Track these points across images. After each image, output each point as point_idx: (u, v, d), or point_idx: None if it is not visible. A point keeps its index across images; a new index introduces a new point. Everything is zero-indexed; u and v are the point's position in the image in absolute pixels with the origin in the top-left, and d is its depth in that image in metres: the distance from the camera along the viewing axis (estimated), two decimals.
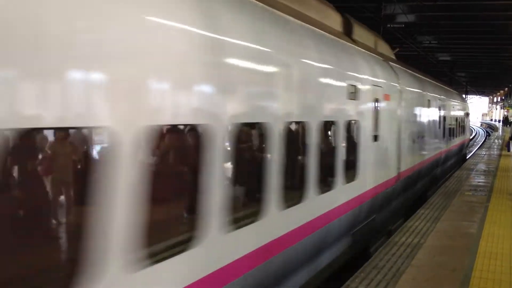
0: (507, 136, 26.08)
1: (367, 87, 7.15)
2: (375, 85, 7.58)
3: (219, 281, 3.39)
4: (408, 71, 11.47)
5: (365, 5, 16.16)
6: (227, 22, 3.69)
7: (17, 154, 2.16)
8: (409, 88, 10.42)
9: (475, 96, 67.34)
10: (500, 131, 45.58)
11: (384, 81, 8.18)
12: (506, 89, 49.16)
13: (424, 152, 11.97)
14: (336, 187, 5.91)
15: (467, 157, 22.86)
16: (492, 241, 6.90)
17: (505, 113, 54.98)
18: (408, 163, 10.00)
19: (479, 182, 12.92)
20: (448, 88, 18.91)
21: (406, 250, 6.36)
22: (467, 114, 22.84)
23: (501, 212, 8.96)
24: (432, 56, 28.51)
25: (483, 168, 16.22)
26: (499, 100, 64.77)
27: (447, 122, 15.98)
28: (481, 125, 70.68)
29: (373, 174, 7.52)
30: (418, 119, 11.23)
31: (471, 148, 30.02)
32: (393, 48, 20.19)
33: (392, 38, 19.94)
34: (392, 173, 8.72)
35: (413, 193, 11.19)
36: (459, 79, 42.84)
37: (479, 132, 49.80)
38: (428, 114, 12.66)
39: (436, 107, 13.82)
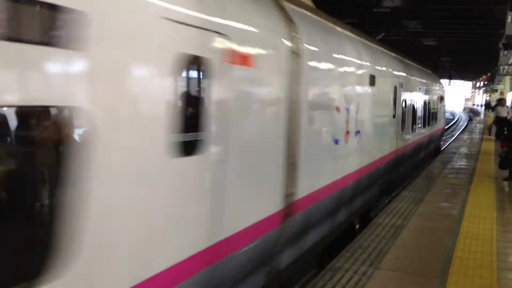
0: (490, 120, 26.51)
1: (146, 25, 2.88)
2: (194, 25, 3.26)
3: None
4: (336, 28, 6.75)
5: None
6: None
7: None
8: (327, 53, 5.91)
9: (458, 80, 68.08)
10: (482, 115, 46.34)
11: (238, 25, 3.85)
12: (489, 74, 49.77)
13: (360, 157, 7.32)
14: None
15: (441, 149, 19.07)
16: (473, 222, 7.05)
17: (487, 98, 55.77)
18: (319, 180, 5.67)
19: (461, 165, 13.13)
20: (413, 64, 13.41)
21: (389, 231, 6.47)
22: (441, 98, 18.13)
23: (483, 194, 9.15)
24: (417, 41, 28.65)
25: (465, 151, 16.48)
26: (481, 85, 65.59)
27: (408, 108, 11.29)
28: (464, 109, 71.71)
29: (186, 229, 3.30)
30: (348, 105, 6.54)
31: (453, 133, 30.48)
32: (379, 32, 20.21)
33: (378, 22, 19.94)
34: (269, 209, 4.44)
35: (335, 224, 6.59)
36: (444, 63, 43.20)
37: (462, 117, 50.54)
38: (372, 98, 7.83)
39: (388, 88, 9.18)
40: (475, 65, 45.16)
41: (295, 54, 4.78)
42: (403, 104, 10.72)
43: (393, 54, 10.73)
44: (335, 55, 6.20)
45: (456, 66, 48.04)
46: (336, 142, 6.16)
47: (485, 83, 59.01)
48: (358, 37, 7.82)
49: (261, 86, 4.26)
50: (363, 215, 8.37)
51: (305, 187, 5.11)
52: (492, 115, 25.80)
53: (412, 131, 12.02)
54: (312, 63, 5.29)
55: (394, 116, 9.72)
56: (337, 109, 6.15)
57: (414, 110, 12.13)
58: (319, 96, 5.61)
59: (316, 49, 5.50)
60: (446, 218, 7.27)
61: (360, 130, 7.13)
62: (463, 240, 6.19)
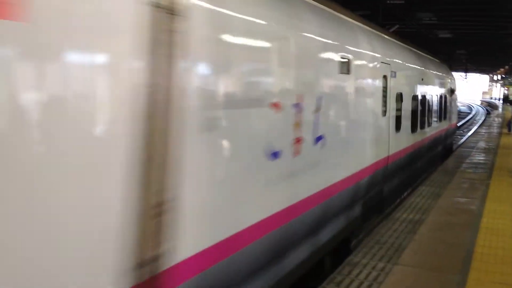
0: (508, 114, 26.03)
1: None
2: None
3: None
4: None
5: None
6: None
7: None
8: (249, 18, 3.75)
9: (475, 74, 67.11)
10: (500, 109, 45.61)
11: None
12: (507, 67, 48.93)
13: (324, 172, 5.15)
14: None
15: (453, 149, 16.78)
16: (493, 218, 6.90)
17: (505, 91, 54.86)
18: (232, 222, 3.50)
19: (479, 159, 12.90)
20: (413, 49, 11.17)
21: (407, 226, 6.37)
22: (451, 91, 15.82)
23: (502, 189, 8.96)
24: (432, 33, 28.28)
25: (483, 146, 16.20)
26: (499, 78, 64.55)
27: (406, 104, 9.06)
28: (481, 103, 70.79)
29: None
30: (299, 100, 4.49)
31: (471, 127, 30.03)
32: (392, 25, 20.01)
33: (392, 14, 19.74)
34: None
35: (277, 275, 4.36)
36: (459, 56, 42.60)
37: (479, 111, 49.85)
38: (346, 90, 5.83)
39: (373, 77, 6.92)
40: (491, 58, 44.48)
41: (168, 11, 2.76)
42: (399, 98, 8.52)
43: (385, 36, 8.45)
44: (268, 24, 4.00)
45: (472, 59, 47.39)
46: (274, 156, 4.00)
47: (503, 76, 58.03)
48: (320, 5, 5.56)
49: (49, 60, 2.15)
50: (341, 244, 6.12)
51: (201, 239, 3.09)
52: (510, 109, 25.32)
53: (412, 132, 9.76)
54: (216, 32, 3.24)
55: (384, 114, 7.52)
56: (276, 106, 4.02)
57: (414, 106, 9.89)
58: (233, 86, 3.45)
59: (226, 10, 3.41)
60: (465, 213, 7.13)
61: (324, 135, 5.03)
62: (483, 235, 6.06)
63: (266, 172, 3.93)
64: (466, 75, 48.73)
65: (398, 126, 8.47)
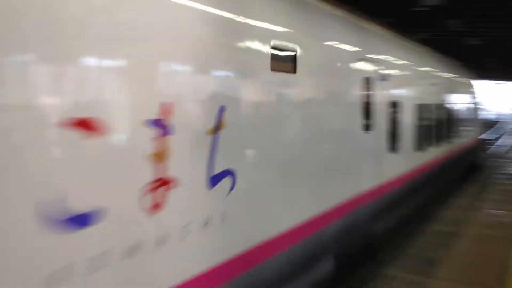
0: None
1: None
2: None
3: None
4: None
5: None
6: None
7: None
8: None
9: (507, 82, 65.52)
10: None
11: None
12: None
13: (231, 236, 3.23)
14: None
15: (481, 167, 13.63)
16: None
17: None
18: None
19: None
20: (416, 46, 9.24)
21: (441, 239, 6.16)
22: (472, 99, 13.96)
23: None
24: (460, 41, 27.78)
25: None
26: None
27: (404, 115, 7.08)
28: None
29: None
30: (164, 114, 2.67)
31: (506, 141, 29.21)
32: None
33: (417, 21, 19.54)
34: None
35: None
36: (489, 64, 41.70)
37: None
38: (287, 97, 3.97)
39: (345, 78, 5.19)
40: None
41: None
42: (394, 109, 6.61)
43: (371, 26, 6.37)
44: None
45: (502, 66, 46.35)
46: (79, 222, 2.24)
47: None
48: None
49: None
50: None
51: None
52: None
53: (416, 150, 7.75)
54: None
55: (367, 129, 5.61)
56: (87, 126, 2.28)
57: (419, 117, 7.90)
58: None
59: None
60: (502, 226, 6.84)
61: (235, 170, 3.25)
62: None
63: (48, 261, 2.10)
64: (497, 82, 47.64)
65: (393, 145, 6.58)
